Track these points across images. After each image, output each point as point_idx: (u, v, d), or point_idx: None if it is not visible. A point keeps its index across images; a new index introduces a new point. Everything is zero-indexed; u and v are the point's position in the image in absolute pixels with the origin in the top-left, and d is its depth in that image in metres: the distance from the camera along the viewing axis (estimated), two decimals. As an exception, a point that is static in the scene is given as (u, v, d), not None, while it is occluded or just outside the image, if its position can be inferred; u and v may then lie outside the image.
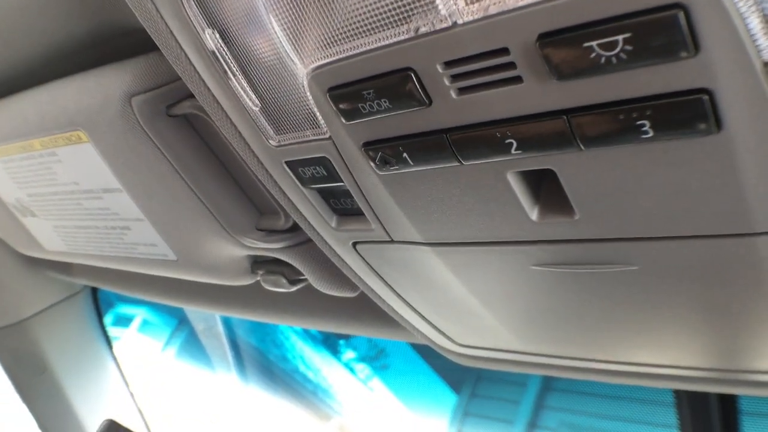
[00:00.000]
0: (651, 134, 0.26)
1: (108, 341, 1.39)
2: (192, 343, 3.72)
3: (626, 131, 0.27)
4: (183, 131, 0.53)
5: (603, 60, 0.25)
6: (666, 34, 0.23)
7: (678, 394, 0.79)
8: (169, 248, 0.66)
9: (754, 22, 0.23)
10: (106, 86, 0.53)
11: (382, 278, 0.47)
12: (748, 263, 0.32)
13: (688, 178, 0.28)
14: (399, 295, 0.49)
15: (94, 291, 1.33)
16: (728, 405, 0.78)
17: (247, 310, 0.84)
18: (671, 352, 0.42)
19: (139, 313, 3.60)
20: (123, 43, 0.53)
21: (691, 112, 0.25)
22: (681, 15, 0.23)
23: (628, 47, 0.24)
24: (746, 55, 0.24)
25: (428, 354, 3.69)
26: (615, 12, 0.24)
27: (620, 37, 0.24)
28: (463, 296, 0.44)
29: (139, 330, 3.52)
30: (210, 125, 0.51)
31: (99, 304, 1.34)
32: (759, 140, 0.26)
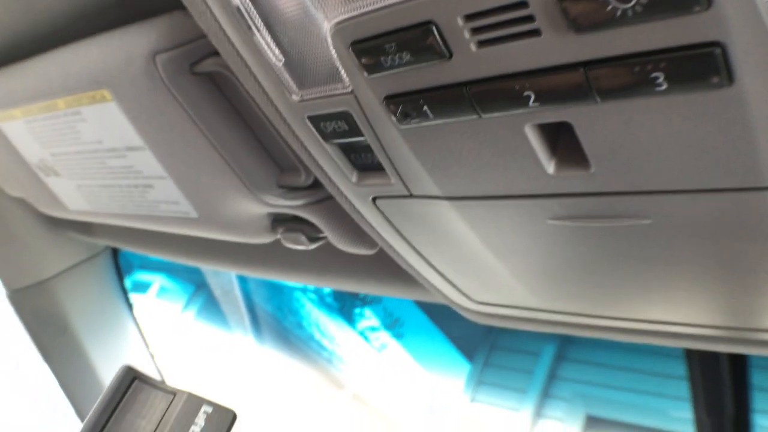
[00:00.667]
0: (665, 87, 0.27)
1: (128, 302, 1.41)
2: (209, 309, 3.76)
3: (641, 84, 0.28)
4: (206, 89, 0.54)
5: (619, 13, 0.26)
6: (680, -14, 0.24)
7: (690, 362, 0.80)
8: (190, 206, 0.67)
9: (768, -24, 0.24)
10: (131, 45, 0.54)
11: (400, 234, 0.49)
12: (759, 218, 0.32)
13: (700, 132, 0.29)
14: (417, 251, 0.50)
15: (115, 252, 1.35)
16: (739, 372, 0.79)
17: (265, 269, 0.85)
18: (683, 310, 0.43)
19: (157, 280, 3.64)
20: (146, 2, 0.54)
21: (703, 65, 0.26)
22: (695, -32, 0.23)
23: (643, 0, 0.25)
24: (756, 9, 0.24)
25: (443, 323, 3.72)
26: (632, -35, 0.24)
27: (636, -10, 0.25)
28: (479, 251, 0.45)
29: (157, 296, 3.56)
30: (233, 83, 0.52)
31: (119, 265, 1.36)
32: (769, 93, 0.27)
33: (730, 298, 0.40)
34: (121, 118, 0.62)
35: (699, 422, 0.81)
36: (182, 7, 0.49)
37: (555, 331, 0.53)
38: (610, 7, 0.25)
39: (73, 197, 0.86)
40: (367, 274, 0.71)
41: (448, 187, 0.40)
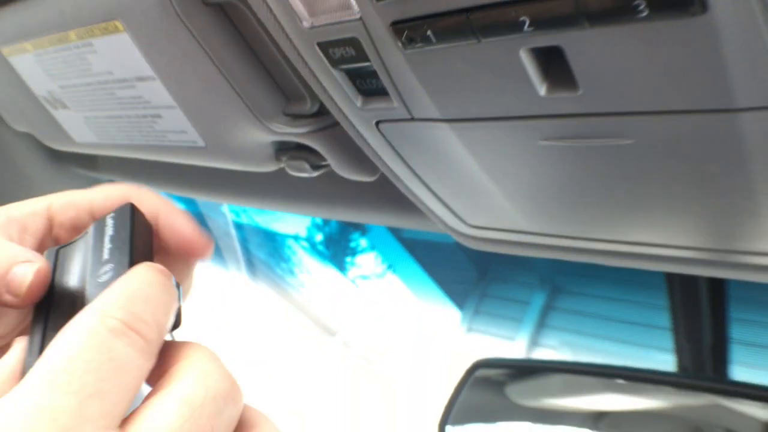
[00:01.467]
0: (646, 13, 0.30)
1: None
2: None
3: (624, 10, 0.31)
4: (217, 19, 0.56)
5: (607, -56, 0.29)
6: None
7: (671, 291, 0.84)
8: (198, 135, 0.70)
9: None
10: (145, -24, 0.57)
11: (401, 157, 0.52)
12: (729, 138, 0.36)
13: (677, 57, 0.32)
14: (416, 175, 0.53)
15: (117, 188, 1.37)
16: (717, 301, 0.83)
17: (267, 200, 0.88)
18: (664, 231, 0.47)
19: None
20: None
21: (680, -6, 0.29)
22: None
23: (629, -69, 0.28)
24: (729, -58, 0.27)
25: (434, 271, 3.77)
26: None
27: None
28: (475, 173, 0.49)
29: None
30: (243, 14, 0.55)
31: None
32: (738, 22, 0.30)
33: (706, 219, 0.44)
34: (132, 48, 0.64)
35: (679, 348, 0.86)
36: (196, -60, 0.52)
37: (544, 255, 0.57)
38: (598, -62, 0.29)
39: (81, 129, 0.89)
40: (367, 204, 0.74)
41: (447, 110, 0.43)
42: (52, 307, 0.42)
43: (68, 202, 0.46)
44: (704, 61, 0.32)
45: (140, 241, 0.42)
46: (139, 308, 0.34)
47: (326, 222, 4.52)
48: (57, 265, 0.43)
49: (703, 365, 0.83)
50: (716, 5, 0.29)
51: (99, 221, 0.43)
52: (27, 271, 0.40)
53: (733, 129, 0.35)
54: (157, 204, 0.45)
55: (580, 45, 0.34)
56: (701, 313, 0.81)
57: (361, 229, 4.51)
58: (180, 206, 0.46)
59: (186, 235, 0.45)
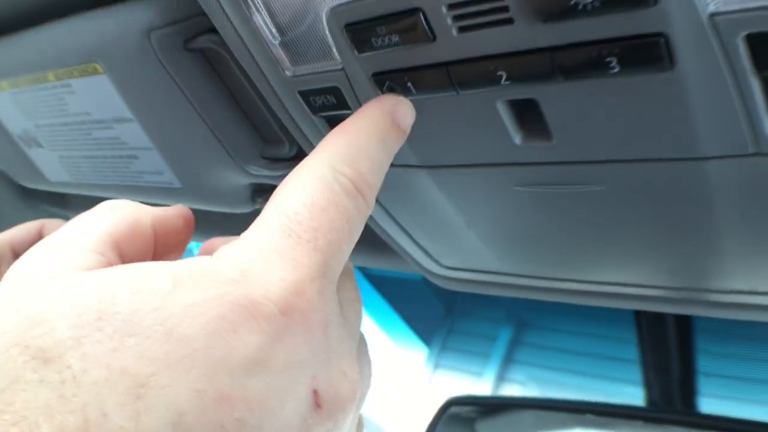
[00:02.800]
0: (617, 69, 0.32)
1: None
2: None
3: (597, 67, 0.32)
4: (198, 64, 0.57)
5: (581, 6, 0.30)
6: (632, -14, 0.29)
7: (640, 326, 0.86)
8: (174, 176, 0.71)
9: (703, -21, 0.29)
10: (126, 21, 0.58)
11: (378, 201, 0.53)
12: (698, 185, 0.38)
13: (646, 109, 0.34)
14: (392, 217, 0.55)
15: (87, 225, 1.37)
16: (685, 336, 0.85)
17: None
18: (633, 271, 0.49)
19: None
20: (141, -20, 0.57)
21: (649, 52, 0.31)
22: (644, -30, 0.28)
23: (602, -4, 0.30)
24: (695, 7, 0.29)
25: (401, 307, 3.76)
26: (592, -34, 0.29)
27: (596, -13, 0.30)
28: (451, 217, 0.50)
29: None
30: (223, 58, 0.56)
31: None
32: (704, 77, 0.32)
33: (673, 260, 0.46)
34: (111, 90, 0.65)
35: (647, 383, 0.88)
36: (178, -14, 0.53)
37: (516, 294, 0.58)
38: (573, 2, 0.30)
39: (55, 168, 0.89)
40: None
41: (425, 157, 0.45)
42: None
43: None
44: (672, 113, 0.34)
45: None
46: (366, 168, 0.33)
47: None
48: None
49: (672, 399, 0.85)
50: (684, 61, 0.31)
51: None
52: None
53: (699, 176, 0.37)
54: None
55: (554, 98, 0.36)
56: (669, 348, 0.83)
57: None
58: None
59: None
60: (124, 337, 0.24)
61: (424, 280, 0.65)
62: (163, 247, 0.36)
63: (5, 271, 0.51)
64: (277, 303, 0.27)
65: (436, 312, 3.63)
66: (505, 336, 3.21)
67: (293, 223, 0.30)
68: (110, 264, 0.29)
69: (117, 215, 0.33)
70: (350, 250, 0.32)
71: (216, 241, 0.40)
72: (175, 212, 0.39)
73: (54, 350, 0.23)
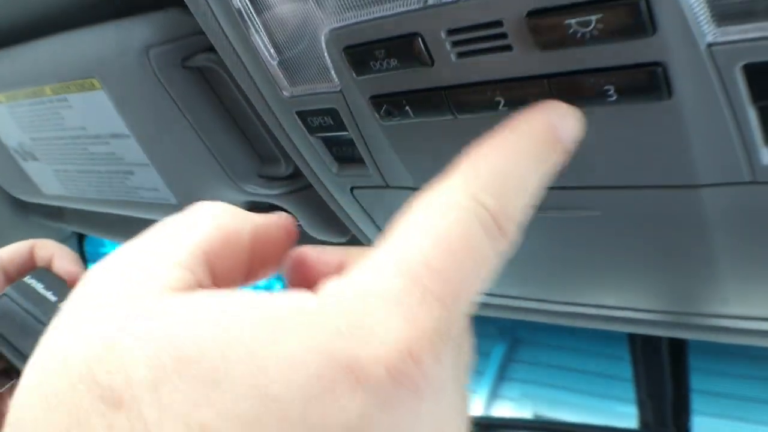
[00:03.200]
0: (615, 98, 0.32)
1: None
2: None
3: (595, 95, 0.33)
4: (196, 82, 0.58)
5: (579, 35, 0.31)
6: (630, 17, 0.29)
7: (633, 348, 0.86)
8: (170, 193, 0.71)
9: (700, 11, 0.29)
10: (125, 37, 0.58)
11: (374, 222, 0.53)
12: (693, 212, 0.38)
13: (643, 136, 0.34)
14: (388, 238, 0.55)
15: (81, 239, 1.37)
16: (678, 358, 0.85)
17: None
18: (627, 295, 0.49)
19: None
20: (141, -1, 0.58)
21: (647, 81, 0.31)
22: (643, 2, 0.29)
23: (600, 26, 0.30)
24: (693, 37, 0.29)
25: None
26: (591, -4, 0.29)
27: (593, 17, 0.30)
28: (446, 239, 0.50)
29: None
30: (221, 77, 0.56)
31: (85, 251, 1.38)
32: (702, 106, 0.32)
33: (668, 284, 0.46)
34: (108, 106, 0.65)
35: (641, 404, 0.88)
36: (177, 4, 0.54)
37: (509, 315, 0.58)
38: (572, 30, 0.30)
39: (49, 182, 0.89)
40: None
41: (421, 179, 0.45)
42: (11, 357, 0.47)
43: None
44: (669, 141, 0.34)
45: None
46: (514, 200, 0.28)
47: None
48: None
49: (665, 420, 0.85)
50: (682, 91, 0.31)
51: (20, 282, 0.52)
52: None
53: (695, 203, 0.37)
54: (53, 248, 0.54)
55: (551, 124, 0.36)
56: (662, 369, 0.83)
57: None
58: (71, 251, 0.56)
59: (73, 273, 0.53)
60: (207, 389, 0.21)
61: None
62: (260, 261, 0.31)
63: None
64: (387, 366, 0.22)
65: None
66: (498, 353, 3.20)
67: (420, 267, 0.24)
68: (199, 283, 0.26)
69: (213, 224, 0.28)
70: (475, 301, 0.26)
71: (309, 252, 0.33)
72: (277, 223, 0.33)
73: (127, 393, 0.21)
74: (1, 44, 0.75)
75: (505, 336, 3.26)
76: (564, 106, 0.32)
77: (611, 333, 0.56)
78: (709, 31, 0.29)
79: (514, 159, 0.29)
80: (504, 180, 0.28)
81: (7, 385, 0.51)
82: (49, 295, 0.52)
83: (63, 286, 0.52)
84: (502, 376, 3.17)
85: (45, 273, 0.53)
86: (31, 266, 0.55)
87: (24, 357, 0.50)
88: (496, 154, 0.29)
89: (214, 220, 0.29)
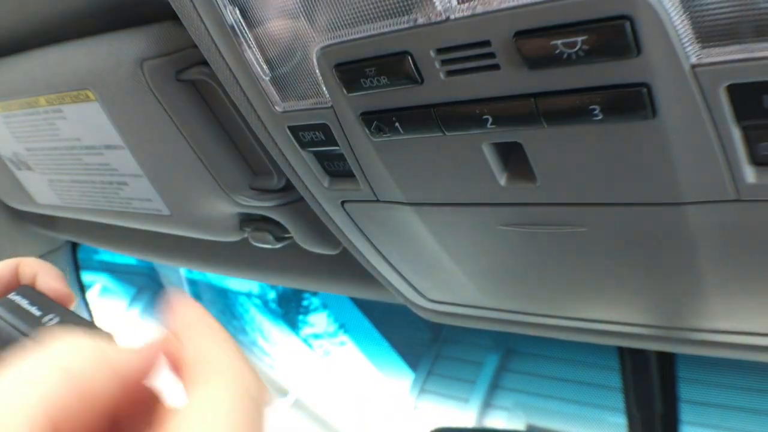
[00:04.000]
0: (600, 117, 0.33)
1: (84, 296, 1.43)
2: (152, 310, 3.74)
3: (581, 113, 0.33)
4: (189, 95, 0.58)
5: (565, 55, 0.31)
6: (615, 38, 0.30)
7: (622, 360, 0.86)
8: (163, 203, 0.71)
9: (685, 33, 0.29)
10: (120, 50, 0.58)
11: (365, 235, 0.54)
12: (678, 229, 0.38)
13: (629, 154, 0.35)
14: (379, 252, 0.55)
15: (74, 247, 1.37)
16: (667, 370, 0.85)
17: (229, 268, 0.89)
18: (616, 309, 0.49)
19: (99, 280, 3.61)
20: (135, 12, 0.58)
21: (632, 101, 0.32)
22: (627, 24, 0.29)
23: (585, 46, 0.30)
24: (677, 58, 0.30)
25: (388, 332, 3.75)
26: (576, 18, 0.30)
27: (579, 38, 0.30)
28: (436, 252, 0.51)
29: (99, 296, 3.53)
30: (214, 90, 0.56)
31: (77, 260, 1.38)
32: (686, 126, 0.32)
33: (655, 299, 0.46)
34: (103, 117, 0.65)
35: (630, 417, 0.88)
36: (171, 18, 0.54)
37: (500, 328, 0.59)
38: (558, 51, 0.31)
39: (43, 191, 0.89)
40: (329, 275, 0.76)
41: (411, 194, 0.45)
42: None
43: None
44: (654, 160, 0.35)
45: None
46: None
47: (280, 279, 4.48)
48: None
49: (654, 432, 0.85)
50: (666, 110, 0.32)
51: (4, 299, 0.52)
52: None
53: (680, 220, 0.38)
54: (36, 266, 0.53)
55: (538, 142, 0.37)
56: (652, 383, 0.83)
57: (315, 287, 4.46)
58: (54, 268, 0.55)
59: (57, 290, 0.52)
60: None
61: None
62: (126, 416, 0.28)
63: None
64: None
65: (423, 336, 3.63)
66: (491, 362, 3.20)
67: None
68: None
69: (64, 378, 0.24)
70: None
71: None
72: (146, 374, 0.29)
73: None
74: (-3, 54, 0.75)
75: (498, 346, 3.27)
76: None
77: (605, 344, 0.57)
78: (693, 53, 0.30)
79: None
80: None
81: None
82: (34, 310, 0.54)
83: (47, 302, 0.54)
84: (495, 386, 3.17)
85: (29, 290, 0.55)
86: (15, 283, 0.56)
87: None
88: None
89: (64, 374, 0.24)
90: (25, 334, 0.51)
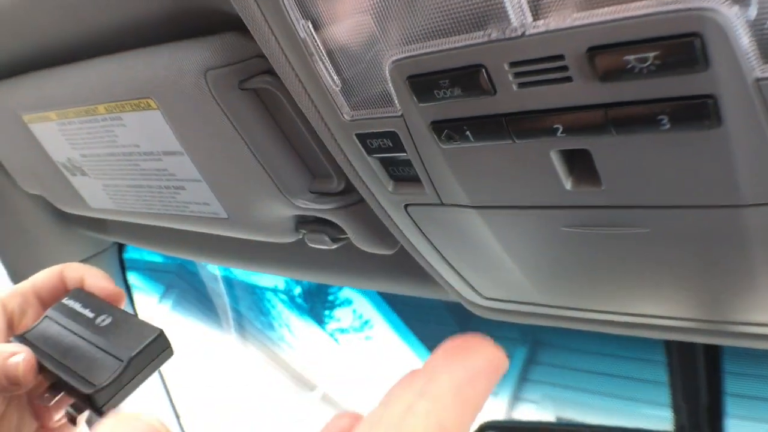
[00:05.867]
0: (668, 126, 0.35)
1: (131, 296, 1.46)
2: (180, 308, 3.78)
3: (649, 123, 0.35)
4: (252, 103, 0.60)
5: (636, 69, 0.33)
6: (685, 54, 0.32)
7: (669, 353, 0.88)
8: (221, 207, 0.74)
9: (750, 49, 0.32)
10: (183, 59, 0.60)
11: (426, 236, 0.56)
12: (734, 229, 0.40)
13: (692, 161, 0.37)
14: (438, 252, 0.57)
15: (120, 248, 1.40)
16: (713, 363, 0.87)
17: (283, 268, 0.92)
18: (668, 305, 0.51)
19: (129, 278, 3.65)
20: (196, 23, 0.60)
21: (699, 112, 0.34)
22: (697, 41, 0.31)
23: (657, 61, 0.32)
24: (742, 72, 0.32)
25: (415, 326, 3.77)
26: (648, 35, 0.32)
27: (651, 54, 0.32)
28: (497, 253, 0.53)
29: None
30: (276, 97, 0.58)
31: (123, 261, 1.41)
32: (748, 135, 0.35)
33: (708, 295, 0.48)
34: (163, 125, 0.68)
35: (676, 408, 0.90)
36: (234, 29, 0.56)
37: (553, 324, 0.61)
38: (630, 65, 0.33)
39: (98, 195, 0.92)
40: (383, 274, 0.78)
41: (476, 197, 0.48)
42: (60, 374, 0.52)
43: (14, 292, 0.57)
44: (716, 165, 0.37)
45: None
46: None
47: (305, 275, 4.50)
48: (35, 347, 0.55)
49: (700, 424, 0.87)
50: (730, 120, 0.34)
51: (59, 304, 0.59)
52: (17, 360, 0.51)
53: (738, 222, 0.40)
54: (82, 269, 0.60)
55: (605, 149, 0.39)
56: (698, 375, 0.85)
57: (341, 282, 4.47)
58: (99, 270, 0.62)
59: (107, 288, 0.59)
60: None
61: (439, 300, 0.68)
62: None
63: (32, 319, 0.57)
64: None
65: (450, 330, 3.64)
66: (519, 355, 3.21)
67: None
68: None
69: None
70: None
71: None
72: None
73: None
74: (52, 63, 0.78)
75: (526, 338, 3.27)
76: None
77: (633, 336, 0.59)
78: (758, 67, 0.32)
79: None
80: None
81: (56, 399, 0.55)
82: (87, 312, 0.57)
83: (98, 303, 0.58)
84: (523, 378, 3.18)
85: (80, 293, 0.58)
86: (62, 288, 0.60)
87: (70, 371, 0.54)
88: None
89: None
90: (81, 337, 0.54)
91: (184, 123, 0.66)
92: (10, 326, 0.57)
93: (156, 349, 0.55)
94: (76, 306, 0.58)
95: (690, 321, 0.53)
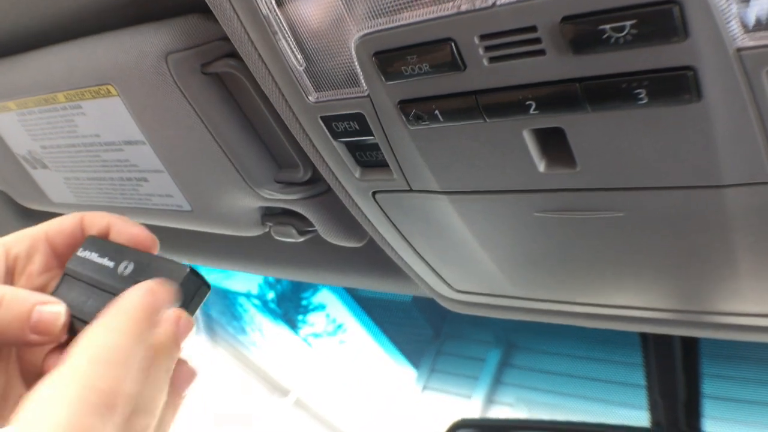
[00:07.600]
0: (645, 101, 0.33)
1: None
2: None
3: (626, 97, 0.34)
4: (214, 88, 0.58)
5: (613, 40, 0.32)
6: (663, 23, 0.30)
7: (646, 350, 0.87)
8: (185, 199, 0.71)
9: (730, 17, 0.30)
10: (143, 43, 0.58)
11: (394, 225, 0.54)
12: (716, 211, 0.39)
13: (671, 138, 0.35)
14: (408, 242, 0.56)
15: (84, 246, 1.36)
16: (690, 360, 0.86)
17: (250, 264, 0.89)
18: (646, 294, 0.50)
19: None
20: (158, 5, 0.58)
21: (678, 85, 0.32)
22: (676, 8, 0.30)
23: (634, 31, 0.31)
24: (722, 42, 0.31)
25: (389, 329, 3.76)
26: (625, 3, 0.30)
27: (628, 23, 0.31)
28: (467, 241, 0.51)
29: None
30: (240, 82, 0.56)
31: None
32: (729, 109, 0.33)
33: (687, 284, 0.47)
34: (124, 112, 0.65)
35: (653, 404, 0.89)
36: (196, 11, 0.54)
37: (527, 317, 0.59)
38: (605, 35, 0.31)
39: (59, 190, 0.89)
40: (352, 268, 0.76)
41: (446, 183, 0.46)
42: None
43: (22, 236, 0.53)
44: (696, 142, 0.35)
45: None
46: (121, 378, 0.35)
47: (278, 280, 4.50)
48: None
49: (677, 420, 0.86)
50: (710, 94, 0.32)
51: (74, 257, 0.52)
52: (58, 310, 0.46)
53: (718, 203, 0.38)
54: (108, 219, 0.54)
55: (580, 127, 0.37)
56: (675, 371, 0.84)
57: (314, 287, 4.49)
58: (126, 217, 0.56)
59: (138, 236, 0.53)
60: None
61: (413, 302, 0.66)
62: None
63: (38, 265, 0.51)
64: None
65: (425, 334, 3.64)
66: (493, 358, 3.22)
67: None
68: None
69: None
70: None
71: None
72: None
73: None
74: (12, 51, 0.75)
75: (500, 341, 3.28)
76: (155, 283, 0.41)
77: (605, 338, 0.58)
78: (739, 36, 0.30)
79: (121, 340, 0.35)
80: (112, 361, 0.34)
81: None
82: (106, 262, 0.51)
83: (116, 249, 0.52)
84: (497, 381, 3.19)
85: (93, 241, 0.53)
86: (80, 236, 0.54)
87: None
88: (103, 338, 0.36)
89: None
90: (104, 290, 0.50)
91: (146, 110, 0.63)
92: (11, 272, 0.52)
93: (191, 288, 0.50)
94: (93, 257, 0.53)
95: (668, 312, 0.51)
